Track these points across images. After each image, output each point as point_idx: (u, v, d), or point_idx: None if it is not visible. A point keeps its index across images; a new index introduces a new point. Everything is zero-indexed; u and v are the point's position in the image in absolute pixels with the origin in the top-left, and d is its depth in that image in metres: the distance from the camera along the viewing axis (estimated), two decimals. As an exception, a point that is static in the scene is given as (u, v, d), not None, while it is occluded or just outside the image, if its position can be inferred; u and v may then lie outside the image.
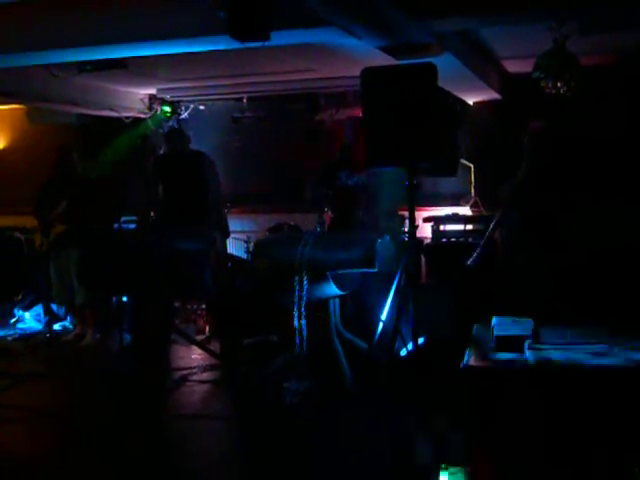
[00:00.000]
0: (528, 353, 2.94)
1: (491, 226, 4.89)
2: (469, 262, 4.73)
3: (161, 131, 8.79)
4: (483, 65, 6.83)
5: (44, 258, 6.83)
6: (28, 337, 7.00)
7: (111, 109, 8.29)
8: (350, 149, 6.38)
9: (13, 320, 7.45)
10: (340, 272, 4.93)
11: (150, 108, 8.80)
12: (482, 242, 4.85)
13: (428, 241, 7.46)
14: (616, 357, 2.85)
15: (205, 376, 5.53)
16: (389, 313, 5.34)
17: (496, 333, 3.05)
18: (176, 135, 6.69)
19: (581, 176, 4.51)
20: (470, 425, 2.83)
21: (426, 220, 7.48)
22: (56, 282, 6.75)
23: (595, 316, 3.65)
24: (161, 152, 8.36)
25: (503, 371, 2.85)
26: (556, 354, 2.94)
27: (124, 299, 6.21)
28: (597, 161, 4.54)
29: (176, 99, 8.81)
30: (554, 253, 4.32)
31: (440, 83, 4.68)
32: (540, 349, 3.02)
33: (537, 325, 3.17)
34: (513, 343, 2.97)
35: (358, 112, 5.59)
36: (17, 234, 7.37)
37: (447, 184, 7.86)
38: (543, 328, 3.21)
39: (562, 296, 4.04)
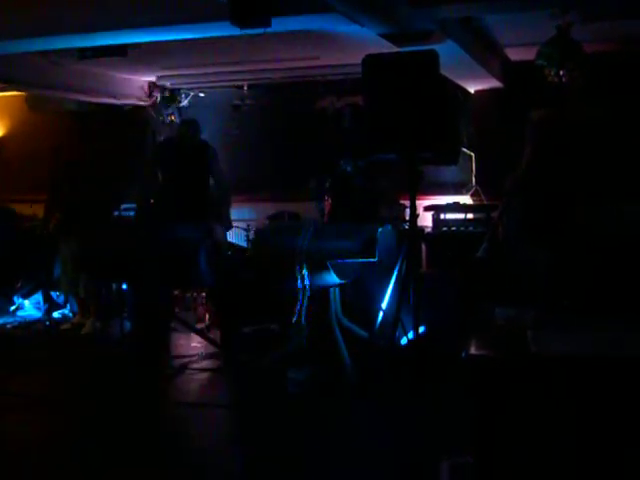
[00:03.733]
0: (530, 342, 2.93)
1: (496, 218, 4.86)
2: (479, 253, 4.69)
3: (161, 119, 8.76)
4: (485, 53, 6.78)
5: (44, 245, 6.83)
6: (28, 325, 7.00)
7: (111, 96, 8.25)
8: (350, 136, 6.34)
9: (13, 308, 7.45)
10: (340, 261, 4.91)
11: (150, 95, 8.76)
12: (488, 234, 4.82)
13: (429, 230, 7.44)
14: (620, 347, 2.84)
15: (205, 364, 5.54)
16: (390, 302, 5.34)
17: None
18: (193, 126, 6.60)
19: (584, 166, 4.47)
20: (472, 415, 2.82)
21: (427, 209, 7.45)
22: (61, 271, 6.77)
23: (598, 307, 3.63)
24: (161, 139, 8.32)
25: (506, 360, 2.84)
26: (558, 343, 2.93)
27: (124, 287, 6.21)
28: (600, 151, 4.50)
29: (176, 86, 8.77)
30: (556, 245, 4.29)
31: (442, 71, 4.64)
32: (542, 338, 3.00)
33: (539, 314, 3.15)
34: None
35: (359, 100, 5.55)
36: (16, 221, 7.35)
37: (448, 173, 7.82)
38: (545, 317, 3.20)
39: (564, 288, 4.02)
